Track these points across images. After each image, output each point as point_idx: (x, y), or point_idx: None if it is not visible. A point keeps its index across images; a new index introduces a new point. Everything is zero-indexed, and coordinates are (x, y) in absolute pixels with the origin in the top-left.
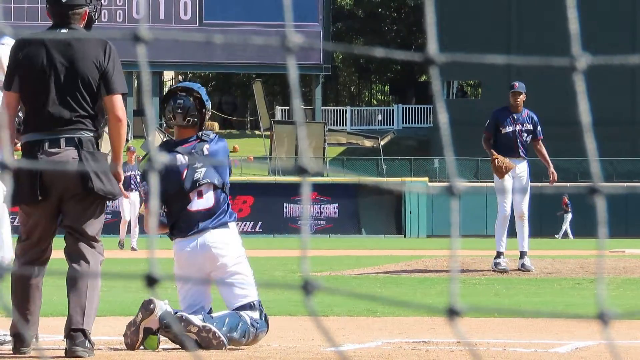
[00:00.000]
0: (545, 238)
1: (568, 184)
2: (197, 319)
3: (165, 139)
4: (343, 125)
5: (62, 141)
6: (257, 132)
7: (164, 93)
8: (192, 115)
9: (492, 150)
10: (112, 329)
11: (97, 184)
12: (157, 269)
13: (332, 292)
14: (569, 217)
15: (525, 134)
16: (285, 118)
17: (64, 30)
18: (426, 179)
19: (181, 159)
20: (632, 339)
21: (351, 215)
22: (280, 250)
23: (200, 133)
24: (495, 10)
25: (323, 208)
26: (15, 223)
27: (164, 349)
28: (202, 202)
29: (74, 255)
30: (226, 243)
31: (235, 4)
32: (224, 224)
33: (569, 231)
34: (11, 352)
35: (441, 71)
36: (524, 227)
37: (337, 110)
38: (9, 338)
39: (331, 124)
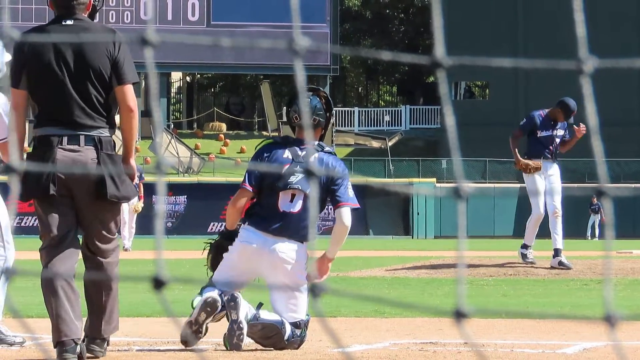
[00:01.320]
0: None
1: (576, 185)
2: (242, 311)
3: (271, 136)
4: (351, 126)
5: (82, 138)
6: (264, 133)
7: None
8: (318, 114)
9: (517, 154)
10: (119, 330)
11: (111, 189)
12: (164, 271)
13: (339, 295)
14: (596, 217)
15: (558, 140)
16: None
17: (69, 22)
18: (434, 179)
19: (288, 154)
20: None
21: (359, 216)
22: None
23: (317, 142)
24: (501, 10)
25: (330, 209)
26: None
27: (170, 350)
28: (290, 205)
29: (89, 266)
30: (293, 259)
31: (243, 5)
32: (301, 239)
33: (596, 231)
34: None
35: (449, 72)
36: (557, 225)
37: (344, 111)
38: (19, 339)
39: (339, 125)
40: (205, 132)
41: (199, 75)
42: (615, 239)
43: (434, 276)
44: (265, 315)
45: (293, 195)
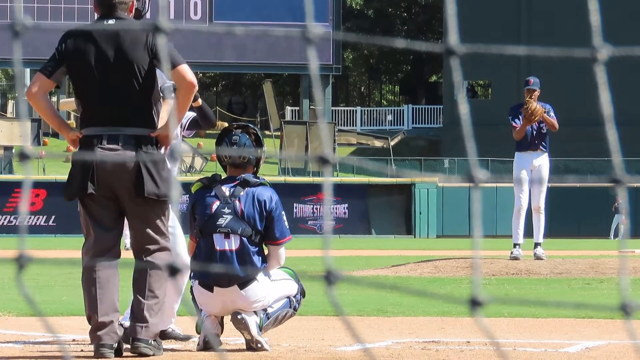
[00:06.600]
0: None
1: (578, 185)
2: (252, 326)
3: (211, 174)
4: (353, 126)
5: (121, 137)
6: (267, 132)
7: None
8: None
9: (524, 123)
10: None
11: (149, 187)
12: (179, 260)
13: (356, 283)
14: (620, 217)
15: (544, 128)
16: (295, 118)
17: (110, 21)
18: (436, 179)
19: (215, 195)
20: None
21: (361, 216)
22: (289, 251)
23: (242, 176)
24: (504, 9)
25: (333, 208)
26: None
27: (171, 349)
28: (227, 243)
29: (136, 264)
30: (255, 301)
31: (245, 4)
32: (251, 279)
33: (620, 231)
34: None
35: (452, 71)
36: (540, 220)
37: (347, 110)
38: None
39: (341, 125)
40: (207, 131)
41: (201, 75)
42: (631, 232)
43: (437, 275)
44: (273, 306)
45: (227, 234)
